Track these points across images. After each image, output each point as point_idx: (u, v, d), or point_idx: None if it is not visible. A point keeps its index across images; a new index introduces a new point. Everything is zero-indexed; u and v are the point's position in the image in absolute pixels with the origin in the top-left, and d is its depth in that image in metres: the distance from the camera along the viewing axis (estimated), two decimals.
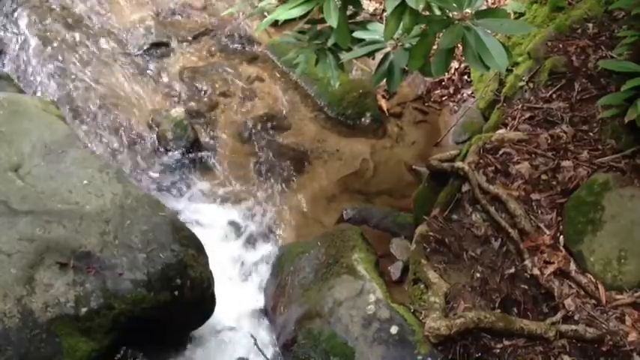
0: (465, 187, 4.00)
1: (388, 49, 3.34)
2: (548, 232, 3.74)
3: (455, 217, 4.00)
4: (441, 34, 2.84)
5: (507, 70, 4.59)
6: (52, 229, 3.45)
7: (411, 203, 4.65)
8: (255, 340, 4.13)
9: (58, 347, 3.25)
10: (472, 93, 5.57)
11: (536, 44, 4.67)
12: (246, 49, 6.07)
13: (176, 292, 3.62)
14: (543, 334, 3.43)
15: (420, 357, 3.47)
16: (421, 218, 4.11)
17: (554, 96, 4.33)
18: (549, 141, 4.06)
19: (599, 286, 3.55)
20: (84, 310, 3.34)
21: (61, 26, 5.90)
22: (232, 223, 4.81)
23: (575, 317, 3.49)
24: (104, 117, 5.28)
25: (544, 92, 4.38)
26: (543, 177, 3.92)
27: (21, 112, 3.96)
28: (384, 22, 2.95)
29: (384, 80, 3.44)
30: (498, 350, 3.46)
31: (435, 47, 3.05)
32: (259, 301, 4.37)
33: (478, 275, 3.75)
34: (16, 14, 5.92)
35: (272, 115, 5.54)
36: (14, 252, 3.33)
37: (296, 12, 3.07)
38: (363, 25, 3.43)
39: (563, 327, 3.44)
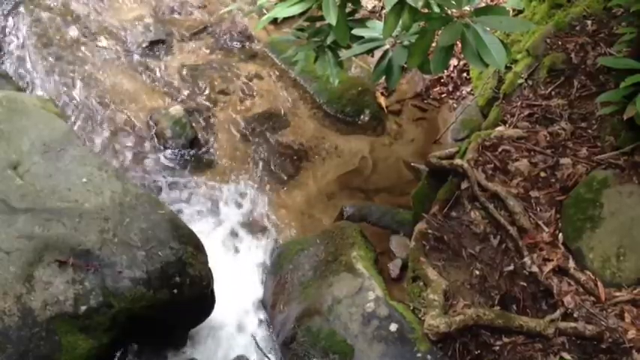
0: (464, 185, 4.00)
1: (387, 46, 3.34)
2: (547, 230, 3.74)
3: (454, 214, 4.00)
4: (440, 31, 2.84)
5: (506, 67, 4.58)
6: (51, 227, 3.45)
7: (410, 200, 4.65)
8: (254, 337, 4.14)
9: (58, 345, 3.26)
10: (471, 90, 5.58)
11: (535, 41, 4.67)
12: (245, 46, 6.07)
13: (175, 290, 3.61)
14: (542, 332, 3.44)
15: (419, 354, 3.48)
16: (420, 216, 4.11)
17: (553, 93, 4.33)
18: (548, 138, 4.06)
19: (598, 283, 3.55)
20: (83, 308, 3.34)
21: (60, 24, 5.90)
22: (231, 221, 4.81)
23: (575, 314, 3.49)
24: (103, 115, 5.28)
25: (543, 89, 4.37)
26: (542, 174, 3.92)
27: (19, 110, 3.96)
28: (383, 19, 2.94)
29: (383, 78, 3.44)
30: (497, 347, 3.47)
31: (434, 45, 3.05)
32: (258, 299, 4.38)
33: (477, 272, 3.75)
34: (14, 12, 5.92)
35: (271, 112, 5.53)
36: (13, 250, 3.33)
37: (295, 9, 3.07)
38: (362, 23, 3.43)
39: (563, 324, 3.44)
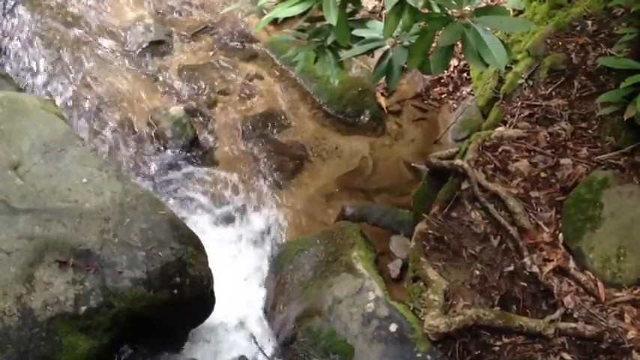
0: (465, 185, 4.00)
1: (387, 46, 3.34)
2: (547, 230, 3.74)
3: (454, 214, 4.00)
4: (441, 31, 2.84)
5: (506, 67, 4.57)
6: (51, 227, 3.45)
7: (410, 201, 4.65)
8: (254, 338, 4.14)
9: (58, 345, 3.26)
10: (471, 90, 5.58)
11: (535, 41, 4.67)
12: (246, 46, 6.06)
13: (175, 291, 3.61)
14: (542, 332, 3.44)
15: (419, 355, 3.48)
16: (420, 216, 4.11)
17: (553, 93, 4.33)
18: (548, 138, 4.06)
19: (598, 284, 3.55)
20: (83, 308, 3.34)
21: (60, 24, 5.89)
22: (232, 221, 4.81)
23: (575, 315, 3.49)
24: (103, 115, 5.27)
25: (543, 90, 4.37)
26: (542, 174, 3.92)
27: (20, 111, 3.96)
28: (383, 19, 2.94)
29: (384, 78, 3.43)
30: (497, 348, 3.47)
31: (434, 45, 3.05)
32: (259, 299, 4.37)
33: (477, 273, 3.75)
34: (14, 12, 5.91)
35: (271, 113, 5.53)
36: (13, 250, 3.33)
37: (295, 10, 3.07)
38: (362, 23, 3.42)
39: (563, 324, 3.44)
